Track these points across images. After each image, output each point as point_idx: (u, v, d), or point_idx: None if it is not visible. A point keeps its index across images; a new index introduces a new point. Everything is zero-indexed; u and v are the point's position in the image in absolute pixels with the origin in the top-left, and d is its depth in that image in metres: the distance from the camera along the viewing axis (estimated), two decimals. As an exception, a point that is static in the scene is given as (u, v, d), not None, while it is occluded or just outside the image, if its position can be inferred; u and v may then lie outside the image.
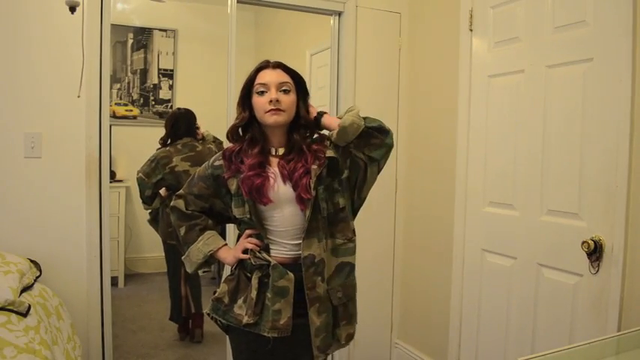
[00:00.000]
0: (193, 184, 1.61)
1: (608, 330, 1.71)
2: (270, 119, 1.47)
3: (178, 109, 3.30)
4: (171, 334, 3.18)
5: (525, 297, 2.08)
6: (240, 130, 1.56)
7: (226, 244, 1.61)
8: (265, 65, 1.53)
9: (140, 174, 3.05)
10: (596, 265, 1.76)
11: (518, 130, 2.12)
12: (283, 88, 1.49)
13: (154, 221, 3.21)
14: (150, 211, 3.20)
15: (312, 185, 1.46)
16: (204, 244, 1.58)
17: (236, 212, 1.54)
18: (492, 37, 2.27)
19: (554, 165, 1.96)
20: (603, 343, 1.46)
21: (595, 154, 1.80)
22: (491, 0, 2.26)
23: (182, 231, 1.61)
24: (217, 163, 1.58)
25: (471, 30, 2.37)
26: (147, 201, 3.11)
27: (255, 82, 1.50)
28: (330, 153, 1.51)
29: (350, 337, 1.59)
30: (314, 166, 1.47)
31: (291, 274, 1.47)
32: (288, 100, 1.49)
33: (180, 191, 1.64)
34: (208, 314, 1.60)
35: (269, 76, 1.49)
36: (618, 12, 1.71)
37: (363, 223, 2.77)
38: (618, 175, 1.71)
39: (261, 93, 1.48)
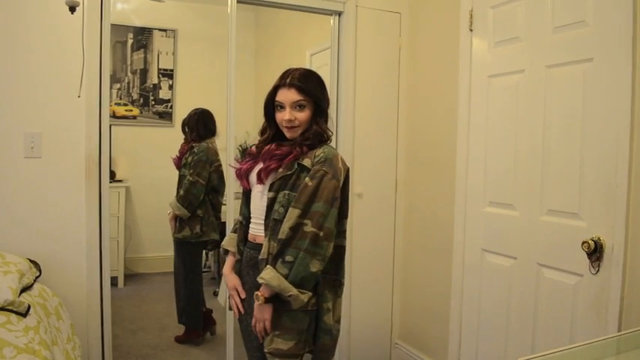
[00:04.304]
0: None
1: (609, 330, 1.71)
2: (288, 134, 1.68)
3: (202, 109, 3.16)
4: (171, 335, 3.17)
5: (525, 297, 2.08)
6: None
7: (234, 253, 1.77)
8: (282, 84, 1.65)
9: (200, 180, 2.96)
10: (597, 265, 1.76)
11: (519, 130, 2.12)
12: (298, 105, 1.63)
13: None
14: (196, 232, 3.04)
15: (269, 175, 1.63)
16: (232, 239, 1.80)
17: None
18: (492, 37, 2.26)
19: (555, 165, 1.96)
20: (604, 343, 1.45)
21: (595, 153, 1.80)
22: (491, 0, 2.26)
23: (235, 220, 1.85)
24: None
25: (471, 30, 2.37)
26: (195, 204, 2.97)
27: (275, 98, 1.66)
28: (307, 163, 1.61)
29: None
30: (280, 169, 1.62)
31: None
32: (303, 116, 1.64)
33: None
34: None
35: (284, 96, 1.64)
36: (618, 12, 1.71)
37: (363, 223, 2.80)
38: (618, 174, 1.71)
39: (279, 108, 1.66)
